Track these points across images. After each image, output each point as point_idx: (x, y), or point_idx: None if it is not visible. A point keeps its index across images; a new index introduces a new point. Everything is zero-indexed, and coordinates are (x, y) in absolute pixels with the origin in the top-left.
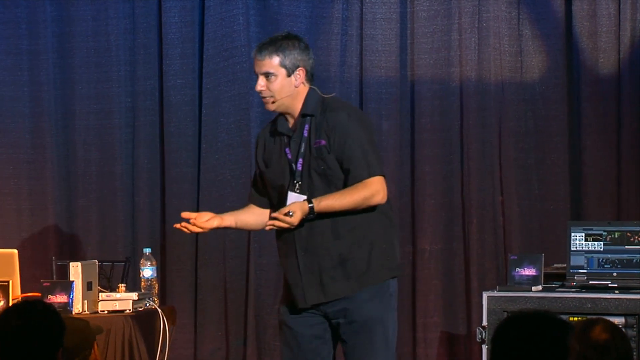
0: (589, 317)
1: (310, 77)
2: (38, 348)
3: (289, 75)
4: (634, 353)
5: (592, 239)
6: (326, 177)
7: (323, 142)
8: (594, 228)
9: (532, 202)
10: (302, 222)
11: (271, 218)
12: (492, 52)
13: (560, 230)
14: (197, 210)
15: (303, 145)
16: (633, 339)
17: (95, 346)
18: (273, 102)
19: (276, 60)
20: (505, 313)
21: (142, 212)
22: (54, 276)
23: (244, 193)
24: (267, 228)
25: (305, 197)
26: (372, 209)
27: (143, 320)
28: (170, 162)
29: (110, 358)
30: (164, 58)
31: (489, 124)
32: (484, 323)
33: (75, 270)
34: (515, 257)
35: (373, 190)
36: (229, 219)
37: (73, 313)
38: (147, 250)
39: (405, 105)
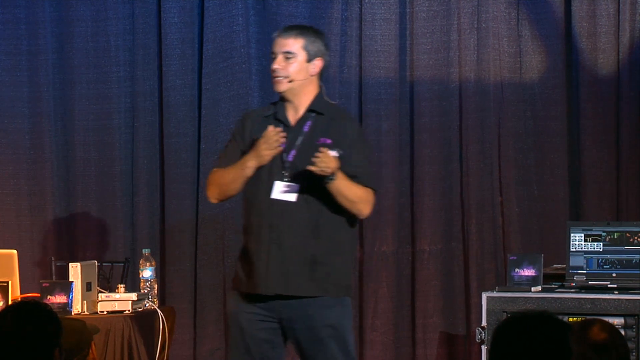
0: (587, 317)
1: (321, 74)
2: (34, 348)
3: (308, 60)
4: (634, 353)
5: (592, 239)
6: (321, 176)
7: (329, 141)
8: (594, 228)
9: (531, 202)
10: (284, 210)
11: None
12: (491, 52)
13: (559, 230)
14: (197, 212)
15: (300, 138)
16: (632, 339)
17: (93, 346)
18: (289, 82)
19: (300, 42)
20: (505, 313)
21: (141, 212)
22: (54, 277)
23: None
24: (316, 161)
25: (297, 186)
26: (353, 222)
27: (142, 320)
28: (170, 162)
29: (109, 358)
30: (163, 59)
31: (488, 124)
32: (484, 323)
33: (75, 270)
34: (515, 258)
35: (369, 199)
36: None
37: (72, 314)
38: (147, 251)
39: (404, 105)
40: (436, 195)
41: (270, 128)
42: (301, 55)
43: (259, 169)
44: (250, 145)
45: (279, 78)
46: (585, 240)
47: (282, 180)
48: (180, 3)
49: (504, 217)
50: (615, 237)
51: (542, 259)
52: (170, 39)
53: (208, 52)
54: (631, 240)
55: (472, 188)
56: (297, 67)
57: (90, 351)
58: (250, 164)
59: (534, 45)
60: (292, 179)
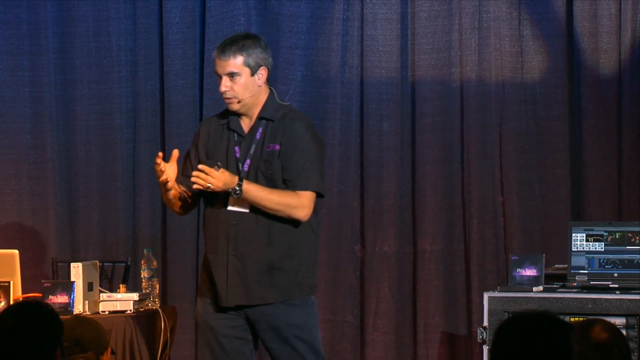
0: (588, 317)
1: (268, 79)
2: (34, 348)
3: (252, 74)
4: (635, 353)
5: (593, 239)
6: (272, 182)
7: (277, 147)
8: (595, 228)
9: (533, 202)
10: (238, 221)
11: (197, 170)
12: (492, 52)
13: (561, 230)
14: (198, 212)
15: (254, 147)
16: (634, 339)
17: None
18: (238, 102)
19: (240, 59)
20: (506, 313)
21: (143, 212)
22: (55, 277)
23: None
24: (193, 180)
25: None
26: (308, 224)
27: (144, 320)
28: None
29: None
30: (165, 59)
31: (489, 124)
32: (485, 323)
33: (76, 270)
34: (516, 258)
35: (299, 203)
36: (172, 185)
37: (74, 313)
38: (148, 251)
39: (406, 105)
40: (438, 195)
41: (157, 160)
42: (244, 72)
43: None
44: (205, 152)
45: (230, 99)
46: (587, 240)
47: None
48: (182, 3)
49: (506, 217)
50: (617, 237)
51: (544, 259)
52: (172, 39)
53: (210, 52)
54: (633, 240)
55: (474, 188)
56: (243, 86)
57: (106, 353)
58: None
59: (536, 45)
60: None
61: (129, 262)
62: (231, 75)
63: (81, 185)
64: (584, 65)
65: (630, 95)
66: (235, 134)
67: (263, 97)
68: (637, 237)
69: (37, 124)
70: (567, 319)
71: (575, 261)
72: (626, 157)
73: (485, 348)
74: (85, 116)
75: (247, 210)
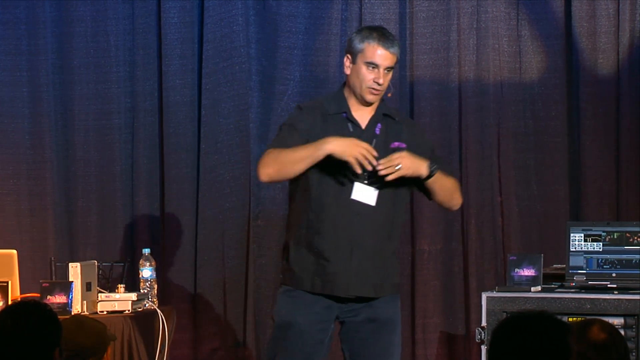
0: (586, 317)
1: None
2: (32, 348)
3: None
4: (633, 353)
5: (591, 239)
6: (396, 178)
7: (404, 145)
8: (593, 228)
9: (531, 202)
10: (363, 212)
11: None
12: (491, 52)
13: (559, 230)
14: (197, 212)
15: (374, 141)
16: (632, 339)
17: (110, 351)
18: (379, 96)
19: (398, 54)
20: (505, 313)
21: (141, 212)
22: (53, 277)
23: (243, 194)
24: (382, 171)
25: (376, 191)
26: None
27: (142, 320)
28: (170, 162)
29: (109, 359)
30: (163, 59)
31: (488, 124)
32: (483, 323)
33: (75, 270)
34: (515, 258)
35: (459, 190)
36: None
37: (72, 314)
38: (147, 251)
39: (404, 105)
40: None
41: (367, 147)
42: (395, 68)
43: (329, 167)
44: (319, 137)
45: (377, 92)
46: (585, 240)
47: (362, 182)
48: (180, 3)
49: (504, 217)
50: (615, 237)
51: (542, 259)
52: (170, 39)
53: (208, 52)
54: (631, 240)
55: (472, 188)
56: (389, 81)
57: (106, 355)
58: (328, 147)
59: (534, 45)
60: (371, 182)
61: (127, 262)
62: (389, 69)
63: (80, 185)
64: (583, 65)
65: (629, 95)
66: (350, 124)
67: None
68: (636, 237)
69: (35, 124)
70: (565, 319)
71: (574, 261)
72: (624, 157)
73: (484, 348)
74: (83, 116)
75: (373, 204)
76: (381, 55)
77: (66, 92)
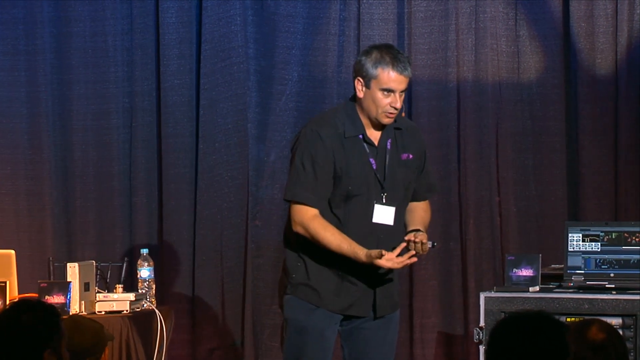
0: (585, 318)
1: None
2: (22, 347)
3: None
4: (632, 353)
5: (590, 239)
6: (407, 190)
7: (412, 156)
8: (592, 229)
9: (529, 202)
10: (385, 234)
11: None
12: (489, 52)
13: (557, 230)
14: (195, 212)
15: (388, 157)
16: (630, 339)
17: (107, 351)
18: (394, 117)
19: (410, 76)
20: (503, 314)
21: (139, 212)
22: (52, 277)
23: (241, 193)
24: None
25: (393, 208)
26: None
27: (140, 320)
28: (168, 162)
29: (107, 359)
30: (161, 59)
31: (486, 124)
32: (482, 324)
33: (73, 270)
34: (513, 258)
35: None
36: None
37: (70, 314)
38: (145, 251)
39: (402, 105)
40: (434, 195)
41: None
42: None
43: (358, 189)
44: (340, 165)
45: (392, 115)
46: (583, 241)
47: (381, 203)
48: (178, 3)
49: (502, 217)
50: (613, 237)
51: (540, 259)
52: (168, 39)
53: (206, 52)
54: (629, 240)
55: (470, 188)
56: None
57: (103, 356)
58: (360, 258)
59: (532, 45)
60: (388, 199)
61: (125, 262)
62: (403, 92)
63: (78, 185)
64: (581, 65)
65: (627, 96)
66: (366, 145)
67: None
68: (634, 237)
69: (33, 124)
70: (563, 319)
71: (572, 261)
72: (622, 157)
73: (482, 348)
74: (81, 116)
75: (392, 224)
76: (396, 80)
77: (64, 92)
